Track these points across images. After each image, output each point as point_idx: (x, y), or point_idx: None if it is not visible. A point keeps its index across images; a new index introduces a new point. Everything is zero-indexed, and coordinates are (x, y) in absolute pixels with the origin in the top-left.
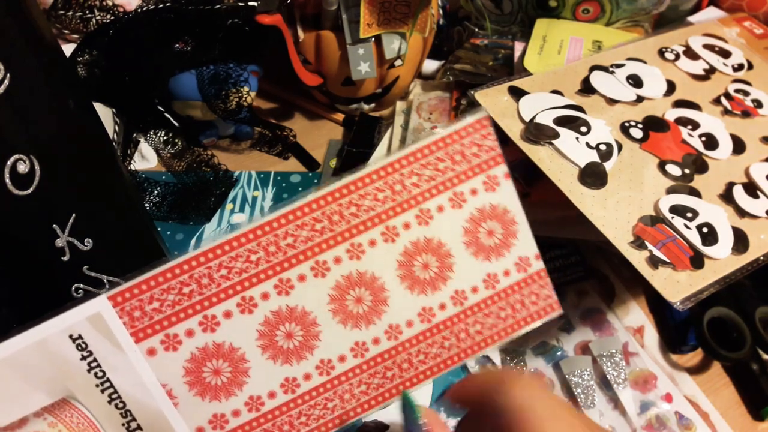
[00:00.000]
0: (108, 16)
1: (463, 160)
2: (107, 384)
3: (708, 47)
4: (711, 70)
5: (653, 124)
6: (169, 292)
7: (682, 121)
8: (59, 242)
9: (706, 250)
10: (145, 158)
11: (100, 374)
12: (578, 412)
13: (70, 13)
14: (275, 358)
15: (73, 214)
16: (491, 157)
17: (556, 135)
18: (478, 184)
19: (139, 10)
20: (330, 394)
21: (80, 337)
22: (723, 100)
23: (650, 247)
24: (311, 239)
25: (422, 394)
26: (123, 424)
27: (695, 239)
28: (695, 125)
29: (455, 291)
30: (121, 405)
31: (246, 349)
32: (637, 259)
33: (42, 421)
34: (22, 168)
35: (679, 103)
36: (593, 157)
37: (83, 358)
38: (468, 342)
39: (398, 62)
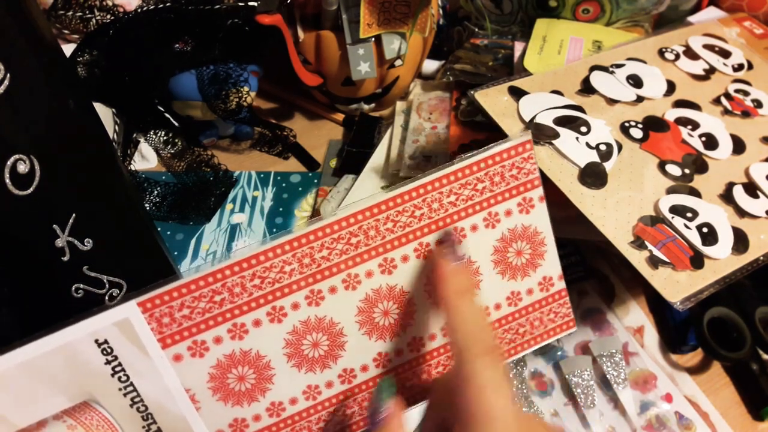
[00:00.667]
0: (108, 16)
1: (501, 182)
2: (130, 388)
3: (708, 47)
4: (711, 70)
5: (653, 124)
6: (201, 300)
7: (682, 121)
8: (59, 242)
9: (706, 250)
10: (145, 158)
11: (123, 378)
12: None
13: (70, 13)
14: (300, 366)
15: (73, 214)
16: (529, 180)
17: (556, 135)
18: (513, 205)
19: (139, 10)
20: (350, 401)
21: (106, 341)
22: (723, 100)
23: (650, 247)
24: (346, 252)
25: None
26: (143, 427)
27: (695, 239)
28: (695, 125)
29: None
30: (142, 408)
31: (272, 356)
32: (637, 259)
33: (61, 423)
34: (22, 168)
35: (679, 103)
36: (593, 157)
37: (107, 362)
38: None
39: (398, 62)
